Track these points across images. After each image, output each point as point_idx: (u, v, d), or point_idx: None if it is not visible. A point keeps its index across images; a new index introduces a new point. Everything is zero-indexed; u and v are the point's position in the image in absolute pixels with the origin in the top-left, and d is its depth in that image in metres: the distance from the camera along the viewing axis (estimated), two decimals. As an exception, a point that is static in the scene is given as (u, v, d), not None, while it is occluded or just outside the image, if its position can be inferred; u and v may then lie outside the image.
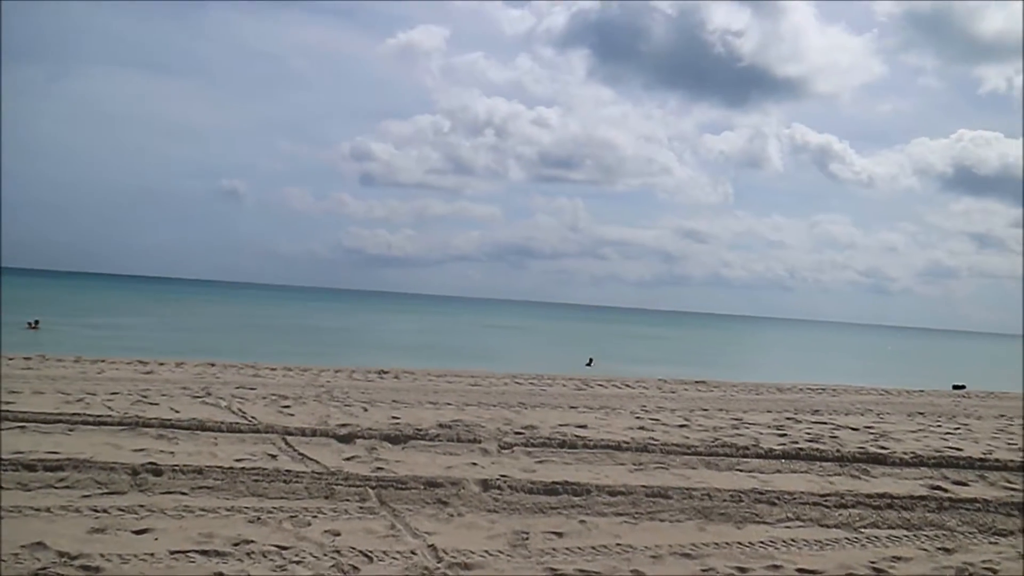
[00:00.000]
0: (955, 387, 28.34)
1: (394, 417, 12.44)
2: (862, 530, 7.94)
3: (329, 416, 12.13)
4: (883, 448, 12.00)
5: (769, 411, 15.99)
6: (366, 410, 13.00)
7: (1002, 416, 17.46)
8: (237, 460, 9.03)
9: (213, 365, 18.68)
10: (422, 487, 8.22)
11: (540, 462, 9.94)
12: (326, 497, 7.82)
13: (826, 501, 8.71)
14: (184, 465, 8.41)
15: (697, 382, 21.69)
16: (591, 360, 35.58)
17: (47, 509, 6.97)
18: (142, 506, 7.16)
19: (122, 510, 7.03)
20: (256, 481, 8.07)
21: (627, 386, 19.47)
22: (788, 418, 15.05)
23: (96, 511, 6.99)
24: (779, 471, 10.29)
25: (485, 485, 8.45)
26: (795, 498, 8.72)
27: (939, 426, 15.11)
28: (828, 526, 8.00)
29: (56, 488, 7.61)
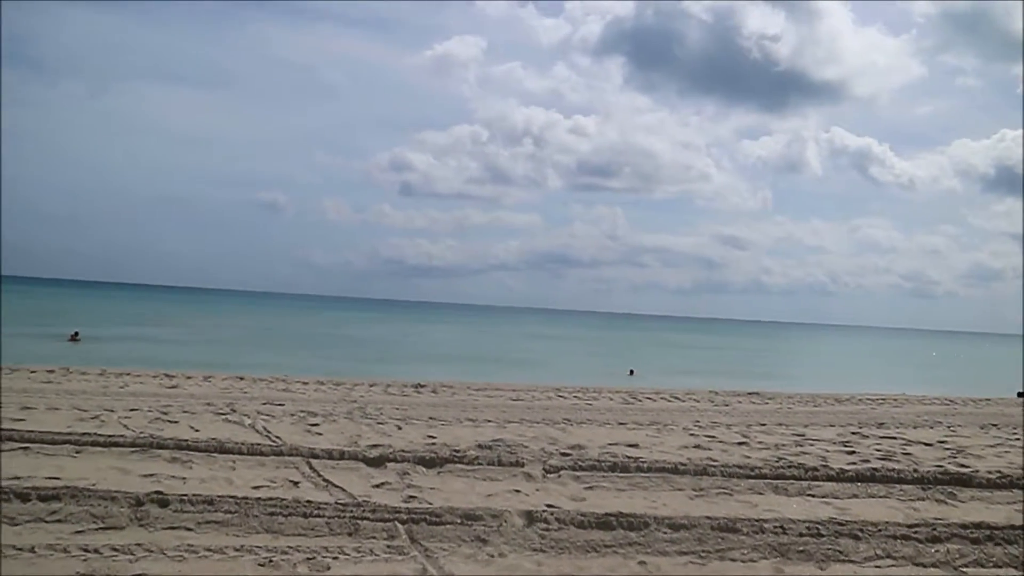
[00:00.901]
0: (1020, 394, 27.05)
1: (430, 436, 11.53)
2: (965, 570, 6.92)
3: (360, 435, 11.24)
4: (964, 466, 10.90)
5: (832, 425, 14.91)
6: (400, 428, 12.10)
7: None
8: (254, 488, 8.15)
9: (242, 379, 17.88)
10: (459, 521, 7.28)
11: (590, 488, 8.97)
12: (350, 534, 6.91)
13: (915, 533, 7.67)
14: (194, 495, 7.51)
15: (750, 393, 20.59)
16: (632, 371, 34.59)
17: (31, 549, 6.12)
18: (139, 545, 6.29)
19: (116, 550, 6.17)
20: (272, 514, 7.16)
21: (677, 399, 18.43)
22: (853, 433, 13.97)
23: (87, 551, 6.13)
24: (855, 496, 9.26)
25: (530, 518, 7.49)
26: (880, 529, 7.68)
27: (1017, 439, 13.95)
28: (924, 565, 7.01)
29: (47, 522, 6.76)
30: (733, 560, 6.80)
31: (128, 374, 17.63)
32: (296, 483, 8.48)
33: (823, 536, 7.42)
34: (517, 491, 8.66)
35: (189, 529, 6.77)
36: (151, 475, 8.41)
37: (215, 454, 9.46)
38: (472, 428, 12.50)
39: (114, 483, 7.89)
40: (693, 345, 70.83)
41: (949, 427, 15.36)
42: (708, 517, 7.73)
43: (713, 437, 12.73)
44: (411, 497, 8.12)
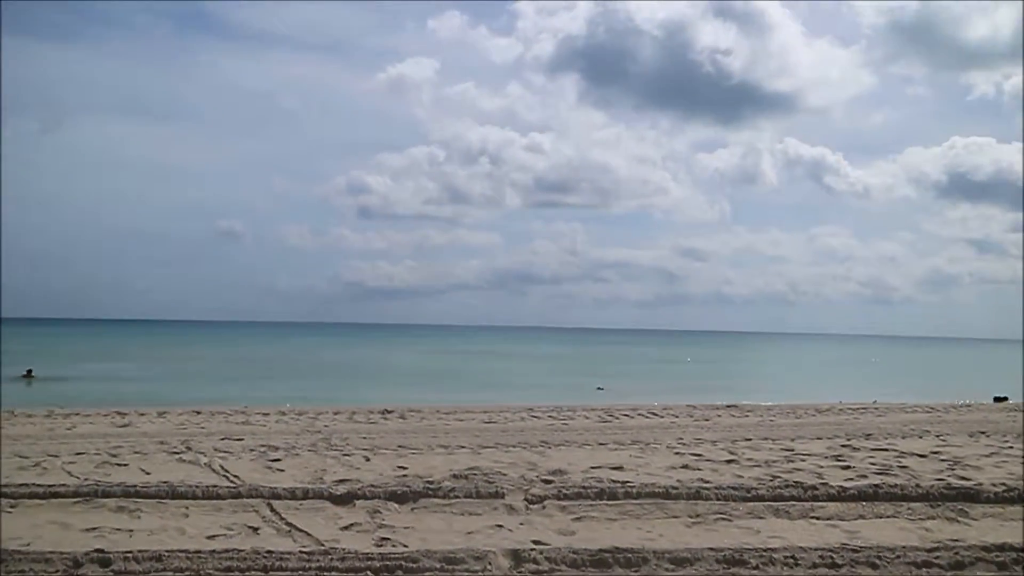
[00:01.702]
0: (996, 399, 26.75)
1: (400, 467, 10.73)
2: (999, 599, 6.27)
3: (325, 470, 10.42)
4: (966, 479, 10.30)
5: (819, 437, 14.30)
6: (368, 459, 11.29)
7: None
8: (209, 537, 7.33)
9: (199, 413, 16.96)
10: (438, 567, 6.49)
11: (578, 519, 8.23)
12: (316, 590, 6.13)
13: (936, 558, 7.01)
14: (139, 551, 6.63)
15: (728, 407, 20.03)
16: (601, 388, 34.09)
17: (-53, 630, 5.30)
18: (73, 618, 5.48)
19: (46, 626, 5.35)
20: (228, 570, 6.34)
21: (655, 415, 17.78)
22: (843, 445, 13.37)
23: (12, 629, 5.31)
24: (862, 516, 8.60)
25: (517, 558, 6.73)
26: (898, 555, 7.01)
27: (1011, 447, 13.41)
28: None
29: (-32, 595, 5.93)
30: (747, 600, 6.10)
31: (77, 414, 16.67)
32: (256, 529, 7.66)
33: (840, 566, 6.74)
34: (499, 526, 7.90)
35: (133, 593, 5.96)
36: (93, 528, 7.55)
37: (166, 500, 8.60)
38: (445, 455, 11.72)
39: (50, 542, 7.03)
40: (660, 359, 70.41)
41: (938, 436, 14.82)
42: (711, 549, 7.02)
43: (700, 455, 12.05)
44: (384, 539, 7.33)
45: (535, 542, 7.31)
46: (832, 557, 6.90)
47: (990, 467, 11.35)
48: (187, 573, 6.26)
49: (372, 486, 9.21)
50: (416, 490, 9.02)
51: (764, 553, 6.94)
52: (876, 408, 20.49)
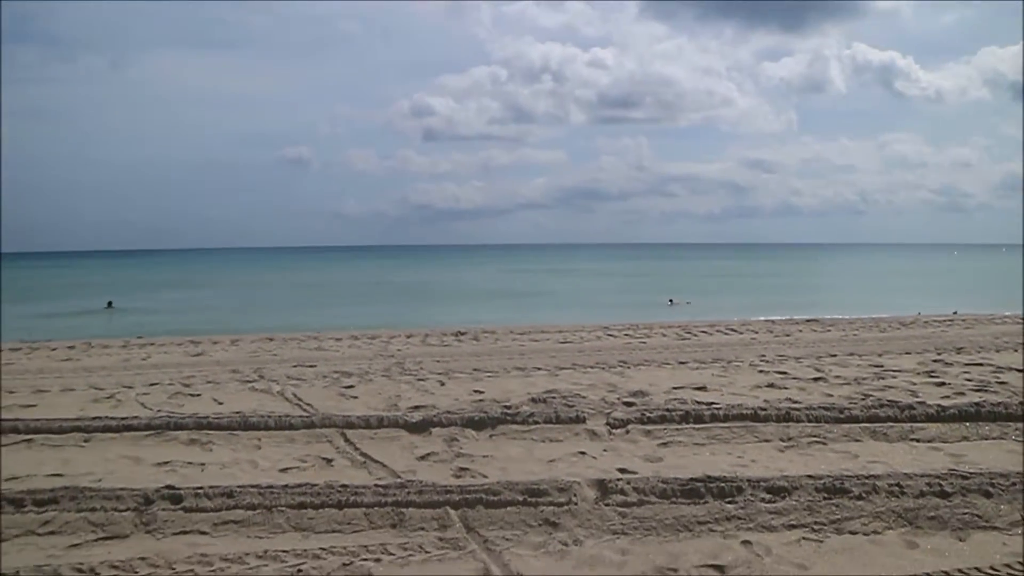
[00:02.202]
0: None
1: (476, 391, 10.44)
2: None
3: (399, 396, 10.17)
4: (1075, 395, 9.71)
5: (907, 352, 13.70)
6: (443, 384, 11.03)
7: None
8: (282, 470, 7.10)
9: (272, 340, 16.86)
10: (520, 500, 6.16)
11: (664, 444, 7.85)
12: (393, 526, 5.81)
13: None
14: (210, 487, 6.40)
15: (808, 321, 19.41)
16: (672, 301, 33.59)
17: (15, 574, 5.09)
18: (143, 559, 5.23)
19: (115, 567, 5.13)
20: (301, 506, 6.06)
21: (734, 331, 17.26)
22: (934, 360, 12.76)
23: (81, 572, 5.09)
24: (965, 438, 8.08)
25: (603, 489, 6.37)
26: (1012, 483, 6.50)
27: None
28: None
29: (39, 535, 5.71)
30: (854, 533, 5.65)
31: (152, 344, 16.66)
32: (330, 461, 7.41)
33: (950, 495, 6.25)
34: (583, 453, 7.55)
35: (204, 532, 5.70)
36: (166, 463, 7.36)
37: (238, 431, 8.37)
38: (522, 378, 11.40)
39: (122, 478, 6.85)
40: (730, 272, 69.40)
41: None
42: (810, 476, 6.57)
43: (785, 373, 11.56)
44: (462, 470, 7.03)
45: (621, 470, 6.94)
46: (940, 484, 6.41)
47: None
48: (259, 511, 6.01)
49: (448, 412, 8.92)
50: (494, 416, 8.69)
51: (866, 480, 6.48)
52: (963, 320, 19.69)
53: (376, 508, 6.02)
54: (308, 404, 9.71)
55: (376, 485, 6.47)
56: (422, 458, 7.45)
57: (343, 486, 6.41)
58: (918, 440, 8.00)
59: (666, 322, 20.21)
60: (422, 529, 5.74)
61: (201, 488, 6.40)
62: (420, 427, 8.46)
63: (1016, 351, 13.81)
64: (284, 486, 6.43)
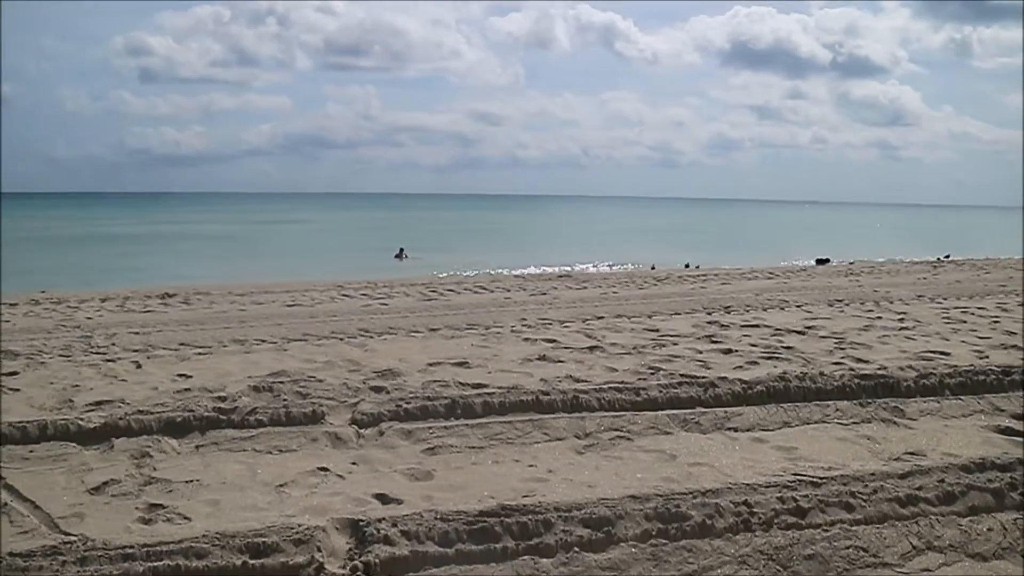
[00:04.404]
0: (819, 261, 26.34)
1: (182, 376, 8.11)
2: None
3: (78, 387, 7.65)
4: (866, 363, 8.72)
5: (676, 313, 12.59)
6: (139, 367, 8.59)
7: (921, 297, 14.71)
8: None
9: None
10: (238, 564, 4.12)
11: (431, 451, 5.98)
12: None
13: (919, 490, 5.20)
14: None
15: (561, 276, 18.18)
16: (402, 250, 32.03)
17: None
18: None
19: None
20: None
21: (484, 289, 15.67)
22: (708, 322, 11.68)
23: None
24: (787, 423, 6.78)
25: (359, 538, 4.40)
26: (873, 491, 5.13)
27: (879, 318, 12.09)
28: (985, 557, 4.52)
29: None
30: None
31: None
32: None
33: (809, 513, 4.80)
34: (324, 470, 5.54)
35: None
36: None
37: None
38: (241, 355, 9.17)
39: None
40: (460, 224, 68.77)
41: (799, 306, 13.44)
42: (633, 497, 4.91)
43: (555, 341, 10.00)
44: (154, 509, 4.86)
45: (380, 498, 5.02)
46: (794, 499, 4.95)
47: (880, 346, 9.84)
48: None
49: (141, 412, 6.56)
50: (203, 415, 6.47)
51: (704, 499, 4.91)
52: (715, 274, 19.10)
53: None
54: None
55: (10, 554, 4.20)
56: (96, 490, 5.17)
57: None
58: (735, 429, 6.60)
59: (407, 279, 18.37)
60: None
61: None
62: (99, 435, 6.13)
63: (783, 309, 13.03)
64: None
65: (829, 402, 7.26)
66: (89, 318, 12.03)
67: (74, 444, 5.97)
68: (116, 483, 5.28)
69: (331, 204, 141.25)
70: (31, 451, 5.83)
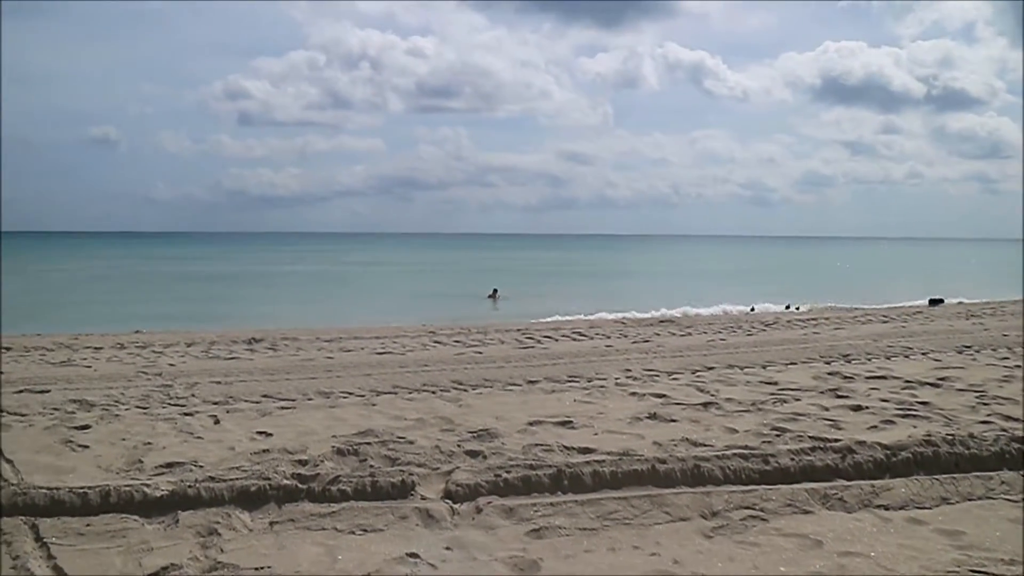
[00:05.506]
0: (932, 302, 25.01)
1: (261, 434, 7.50)
2: None
3: (150, 445, 7.10)
4: (1016, 421, 7.73)
5: (792, 362, 11.63)
6: (217, 422, 8.00)
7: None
8: None
9: (8, 348, 13.30)
10: None
11: (536, 533, 5.21)
12: None
13: None
14: None
15: (663, 322, 17.26)
16: (495, 291, 31.54)
17: None
18: None
19: None
20: None
21: (583, 336, 14.87)
22: (829, 373, 10.70)
23: None
24: (946, 500, 5.84)
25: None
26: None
27: (1017, 367, 10.97)
28: None
29: None
30: None
31: None
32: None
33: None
34: (414, 557, 4.82)
35: None
36: None
37: None
38: (326, 411, 8.51)
39: None
40: (551, 263, 68.11)
41: (924, 354, 12.38)
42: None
43: (665, 396, 9.15)
44: (216, 606, 4.19)
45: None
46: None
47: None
48: None
49: (212, 478, 5.95)
50: (280, 483, 5.82)
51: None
52: (826, 319, 18.00)
53: None
54: (6, 461, 6.58)
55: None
56: (152, 577, 4.54)
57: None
58: (886, 507, 5.68)
59: (501, 324, 17.66)
60: None
61: None
62: (165, 506, 5.51)
63: (908, 357, 11.96)
64: None
65: (991, 473, 6.28)
66: (172, 364, 11.57)
67: (136, 517, 5.34)
68: (176, 569, 4.61)
69: (422, 244, 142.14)
70: (88, 525, 5.22)
